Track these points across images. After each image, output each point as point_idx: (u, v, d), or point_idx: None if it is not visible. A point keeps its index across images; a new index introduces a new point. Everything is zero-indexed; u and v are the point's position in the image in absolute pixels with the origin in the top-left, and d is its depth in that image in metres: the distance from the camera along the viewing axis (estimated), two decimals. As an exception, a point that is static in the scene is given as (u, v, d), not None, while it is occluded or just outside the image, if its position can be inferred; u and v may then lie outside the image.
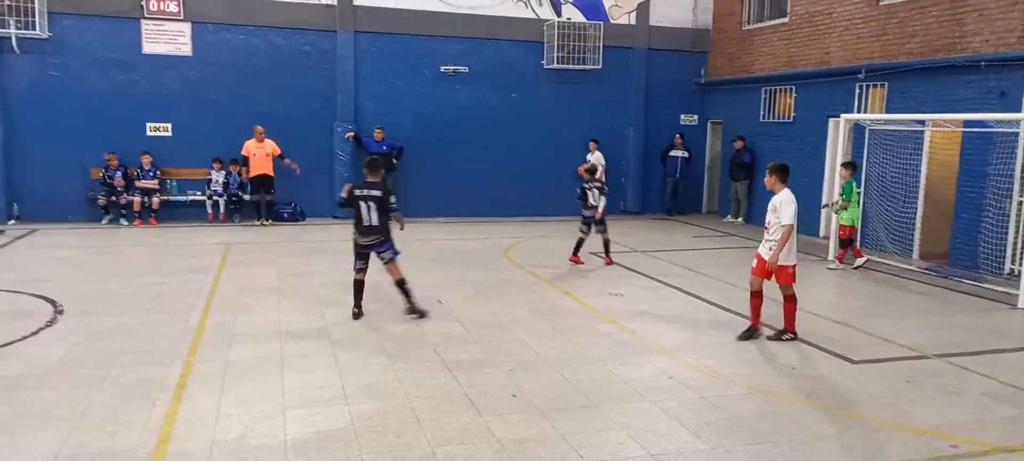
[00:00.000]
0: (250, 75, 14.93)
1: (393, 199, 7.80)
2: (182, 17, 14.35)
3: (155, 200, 14.34)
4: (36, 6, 13.28)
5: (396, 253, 7.94)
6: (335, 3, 15.15)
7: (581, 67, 16.40)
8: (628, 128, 17.16)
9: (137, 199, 14.19)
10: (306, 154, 15.11)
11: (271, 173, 14.60)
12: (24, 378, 5.91)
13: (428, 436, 5.00)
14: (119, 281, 9.45)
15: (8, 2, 13.12)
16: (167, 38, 14.39)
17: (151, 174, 14.34)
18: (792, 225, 6.94)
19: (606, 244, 11.42)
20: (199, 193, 14.78)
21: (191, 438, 4.86)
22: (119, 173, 14.09)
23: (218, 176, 14.73)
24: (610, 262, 11.28)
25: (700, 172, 18.09)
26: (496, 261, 11.57)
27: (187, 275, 9.88)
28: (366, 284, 8.02)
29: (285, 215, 15.10)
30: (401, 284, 7.96)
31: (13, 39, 13.36)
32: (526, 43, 16.35)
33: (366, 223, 7.68)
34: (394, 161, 15.12)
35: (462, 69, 16.04)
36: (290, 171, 14.70)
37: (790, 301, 7.32)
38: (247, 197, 14.88)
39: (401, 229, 7.98)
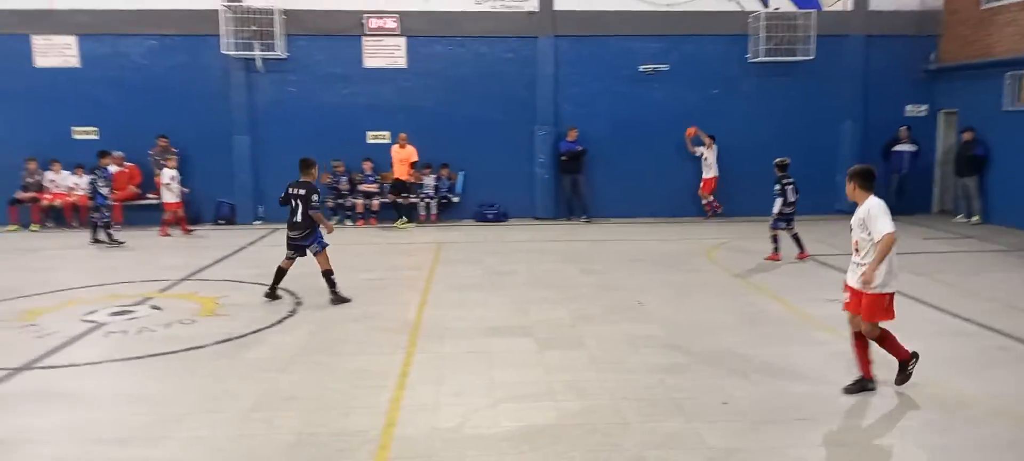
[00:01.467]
0: (456, 83, 15.73)
1: (316, 198, 8.65)
2: (399, 32, 15.46)
3: (375, 203, 15.55)
4: (276, 30, 14.93)
5: (323, 246, 8.78)
6: (537, 9, 15.55)
7: (791, 59, 15.51)
8: (844, 122, 15.96)
9: (360, 202, 15.47)
10: (507, 157, 15.70)
11: (406, 178, 15.39)
12: (271, 362, 6.66)
13: (636, 438, 4.99)
14: (346, 276, 10.31)
15: (254, 27, 14.84)
16: (385, 52, 15.57)
17: (372, 179, 15.57)
18: (893, 233, 5.42)
19: (797, 239, 10.99)
20: (412, 196, 15.80)
21: (413, 424, 5.22)
22: (344, 178, 15.45)
23: (429, 180, 15.66)
24: (806, 256, 10.80)
25: (929, 167, 16.42)
26: (698, 263, 11.27)
27: (404, 272, 10.62)
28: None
29: (489, 216, 15.75)
30: (327, 274, 8.79)
31: (258, 60, 15.12)
32: (729, 37, 15.77)
33: (295, 219, 8.65)
34: (581, 160, 15.53)
35: (662, 67, 15.80)
36: (484, 173, 15.44)
37: (882, 340, 5.72)
38: (456, 199, 15.70)
39: (329, 231, 8.94)
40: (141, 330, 7.71)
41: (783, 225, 10.93)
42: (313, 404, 5.62)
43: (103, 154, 13.31)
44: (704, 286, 9.67)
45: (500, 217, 15.84)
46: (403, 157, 15.45)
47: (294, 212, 8.75)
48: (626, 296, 8.67)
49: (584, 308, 8.40)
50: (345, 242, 13.48)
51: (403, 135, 15.40)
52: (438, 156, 15.70)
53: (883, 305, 5.57)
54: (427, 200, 15.68)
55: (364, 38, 15.49)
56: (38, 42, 15.09)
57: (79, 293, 9.38)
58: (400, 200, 15.47)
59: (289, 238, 8.90)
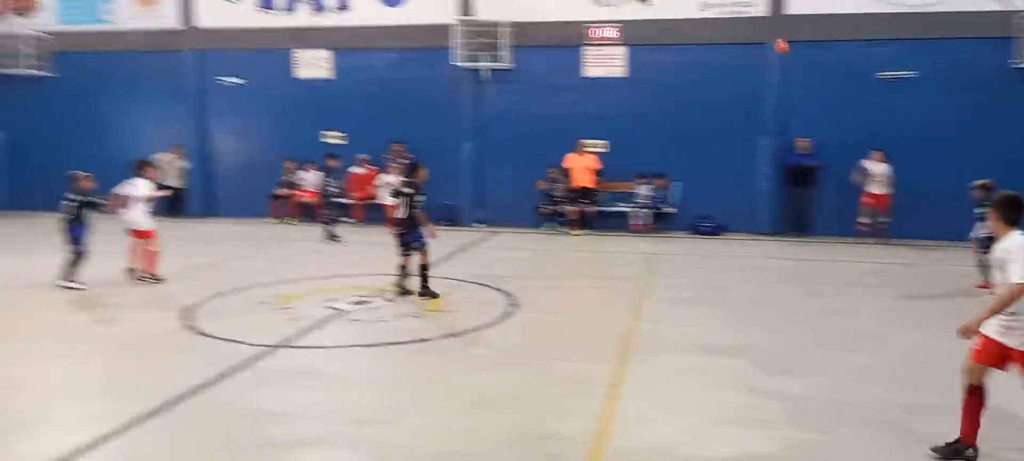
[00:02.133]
0: (677, 92, 15.46)
1: (421, 199, 9.43)
2: (620, 41, 15.53)
3: (590, 210, 15.72)
4: (503, 41, 15.63)
5: (423, 243, 9.36)
6: (767, 13, 14.88)
7: (1068, 64, 13.47)
8: None
9: (575, 209, 15.73)
10: (726, 167, 15.19)
11: (591, 186, 15.28)
12: (490, 360, 6.98)
13: (869, 481, 4.59)
14: (560, 282, 10.61)
15: (484, 39, 15.65)
16: (605, 62, 15.71)
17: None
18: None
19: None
20: (626, 205, 15.77)
21: (627, 436, 5.21)
22: (560, 185, 15.80)
23: (644, 190, 15.55)
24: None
25: None
26: (936, 286, 10.13)
27: (616, 282, 10.63)
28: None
29: (705, 229, 15.31)
30: (424, 268, 9.37)
31: (484, 70, 15.92)
32: (988, 40, 14.00)
33: (400, 216, 9.35)
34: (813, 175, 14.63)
35: (908, 73, 14.40)
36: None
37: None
38: (670, 210, 15.46)
39: (431, 234, 9.50)
40: (376, 320, 8.42)
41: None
42: (527, 405, 5.80)
43: (330, 157, 15.22)
44: (947, 317, 8.66)
45: (717, 230, 15.32)
46: (584, 164, 15.55)
47: (398, 210, 9.46)
48: (856, 322, 8.00)
49: (807, 332, 7.89)
50: (558, 249, 13.80)
51: (582, 142, 15.50)
52: (654, 165, 15.53)
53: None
54: (641, 210, 15.57)
55: (585, 48, 15.74)
56: (300, 56, 17.05)
57: (324, 283, 10.45)
58: (572, 209, 15.56)
59: (395, 234, 9.60)
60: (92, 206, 10.11)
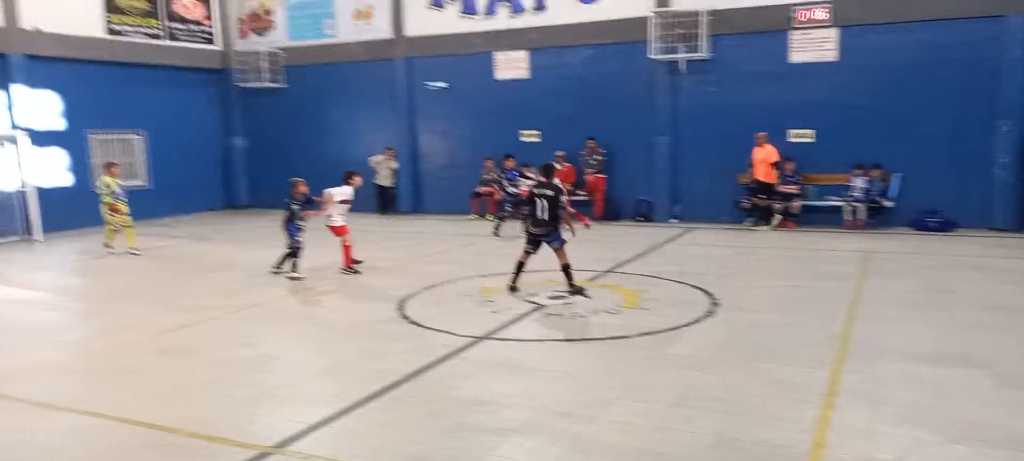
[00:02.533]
0: (896, 76, 14.15)
1: (563, 199, 9.52)
2: (830, 23, 14.49)
3: (795, 205, 14.84)
4: (701, 31, 15.15)
5: (562, 242, 9.41)
6: (1009, -19, 13.21)
7: None
8: None
9: (778, 204, 14.93)
10: (956, 156, 13.73)
11: (771, 181, 14.44)
12: (692, 359, 6.81)
13: None
14: (763, 281, 10.10)
15: (680, 30, 15.27)
16: (813, 46, 14.72)
17: (792, 180, 14.89)
18: None
19: None
20: (838, 199, 14.70)
21: (844, 448, 4.85)
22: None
23: (858, 182, 14.40)
24: None
25: None
26: None
27: (827, 281, 9.94)
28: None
29: (931, 224, 13.88)
30: (566, 268, 9.33)
31: (682, 62, 15.53)
32: None
33: (539, 216, 9.27)
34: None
35: None
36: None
37: None
38: (889, 204, 14.20)
39: (572, 232, 10.02)
40: (574, 315, 8.52)
41: None
42: (734, 408, 5.59)
43: (508, 157, 16.00)
44: None
45: (945, 226, 13.82)
46: (763, 157, 14.68)
47: (536, 210, 9.38)
48: None
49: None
50: (761, 245, 13.16)
51: (762, 134, 14.69)
52: (870, 155, 14.33)
53: None
54: (854, 204, 14.43)
55: (791, 32, 14.85)
56: (499, 58, 17.65)
57: (524, 277, 10.73)
58: (757, 202, 14.88)
59: (531, 233, 9.47)
60: (309, 204, 11.22)
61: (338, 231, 11.29)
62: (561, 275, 9.45)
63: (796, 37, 14.86)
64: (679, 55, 15.45)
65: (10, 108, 15.98)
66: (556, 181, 9.99)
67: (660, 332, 7.71)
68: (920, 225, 13.95)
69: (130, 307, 9.66)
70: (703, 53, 15.33)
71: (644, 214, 16.52)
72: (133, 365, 7.16)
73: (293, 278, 10.94)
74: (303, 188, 11.33)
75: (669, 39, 15.43)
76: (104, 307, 9.84)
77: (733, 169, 15.42)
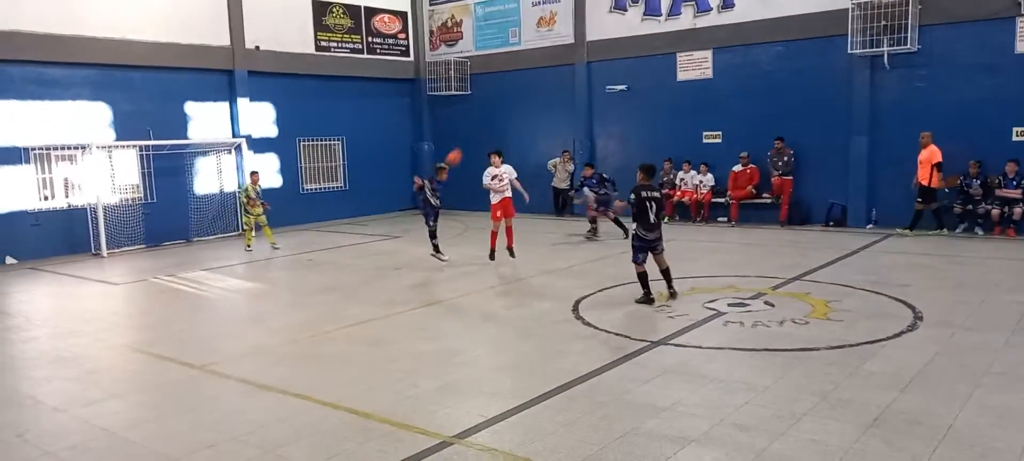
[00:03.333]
0: None
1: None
2: (1066, 6, 12.78)
3: (1016, 210, 13.22)
4: (909, 22, 13.90)
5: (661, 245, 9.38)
6: None
7: None
8: None
9: (996, 209, 13.36)
10: None
11: (925, 183, 13.23)
12: (892, 378, 6.25)
13: None
14: (978, 294, 9.08)
15: (884, 22, 14.10)
16: (1045, 33, 13.03)
17: (1014, 183, 13.27)
18: None
19: None
20: (935, 203, 12.97)
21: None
22: (977, 182, 13.56)
23: (1099, 185, 12.58)
24: None
25: None
26: None
27: (1060, 298, 8.76)
28: None
29: None
30: (666, 272, 9.34)
31: (885, 56, 14.33)
32: None
33: (650, 220, 8.98)
34: None
35: None
36: None
37: None
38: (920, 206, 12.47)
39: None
40: (756, 323, 8.14)
41: None
42: (940, 433, 5.07)
43: (588, 165, 15.95)
44: None
45: None
46: (924, 159, 13.37)
47: (647, 214, 9.08)
48: None
49: None
50: (976, 256, 11.85)
51: (925, 134, 13.43)
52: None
53: None
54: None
55: (1019, 19, 13.22)
56: (681, 59, 17.26)
57: (702, 282, 10.42)
58: (919, 206, 13.58)
59: (644, 240, 9.03)
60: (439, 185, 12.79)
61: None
62: (743, 282, 9.06)
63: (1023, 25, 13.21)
64: (883, 48, 14.27)
65: (234, 119, 17.95)
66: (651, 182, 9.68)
67: (853, 346, 7.17)
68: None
69: (333, 300, 10.50)
70: (910, 45, 14.05)
71: (836, 219, 15.44)
72: (333, 354, 7.78)
73: (438, 258, 12.42)
74: (442, 174, 12.81)
75: (871, 31, 14.30)
76: (309, 299, 10.77)
77: (946, 171, 13.99)
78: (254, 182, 15.50)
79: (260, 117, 18.46)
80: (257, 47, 18.15)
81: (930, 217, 13.92)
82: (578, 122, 19.06)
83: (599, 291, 10.09)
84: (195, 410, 6.22)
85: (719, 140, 16.95)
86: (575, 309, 9.11)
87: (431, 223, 12.71)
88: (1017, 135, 13.47)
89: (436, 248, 12.69)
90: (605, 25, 18.32)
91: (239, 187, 15.68)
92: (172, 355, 7.83)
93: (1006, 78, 13.43)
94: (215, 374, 7.16)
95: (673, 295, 9.37)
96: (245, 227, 15.74)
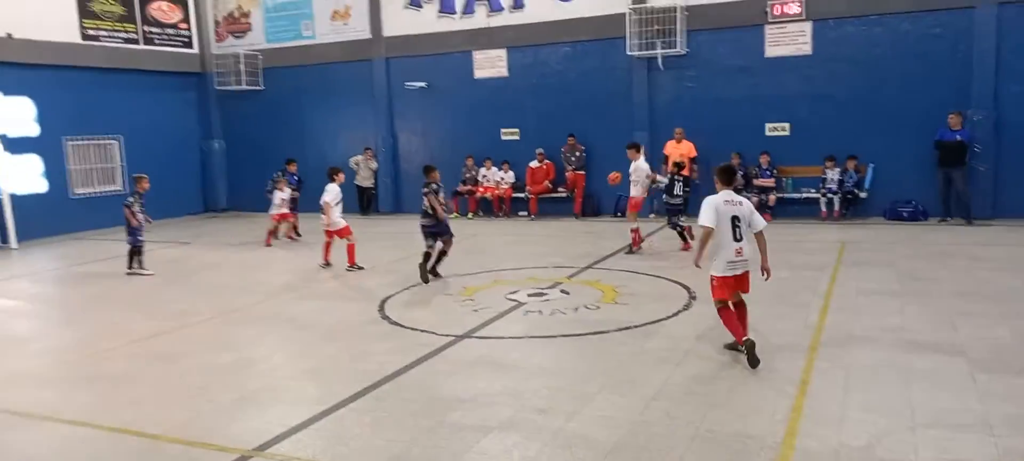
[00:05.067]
0: (870, 68, 14.36)
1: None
2: (804, 17, 14.65)
3: (771, 198, 15.01)
4: (678, 27, 15.27)
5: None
6: (974, -25, 13.42)
7: None
8: None
9: (755, 197, 15.06)
10: (930, 147, 13.86)
11: (689, 174, 14.37)
12: (669, 353, 6.88)
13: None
14: (741, 273, 10.20)
15: (657, 27, 15.37)
16: (788, 40, 14.89)
17: (768, 173, 15.06)
18: None
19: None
20: (813, 190, 14.88)
21: (815, 437, 4.95)
22: (740, 173, 15.21)
23: (832, 174, 14.59)
24: None
25: None
26: None
27: (803, 271, 10.07)
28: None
29: (904, 214, 14.11)
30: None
31: (659, 58, 15.63)
32: None
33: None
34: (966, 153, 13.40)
35: None
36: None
37: None
38: (863, 194, 14.41)
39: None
40: (553, 312, 8.58)
41: None
42: (710, 400, 5.67)
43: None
44: None
45: (918, 215, 14.06)
46: (681, 152, 15.03)
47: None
48: None
49: (1033, 329, 7.05)
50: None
51: (679, 130, 15.17)
52: (844, 147, 14.53)
53: None
54: (829, 195, 14.62)
55: (767, 26, 15.00)
56: (478, 57, 17.67)
57: (505, 274, 10.80)
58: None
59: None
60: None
61: (343, 233, 11.71)
62: (542, 273, 9.51)
63: (772, 31, 15.01)
64: (656, 51, 15.55)
65: (-17, 115, 15.80)
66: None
67: (639, 326, 7.79)
68: (894, 215, 14.20)
69: (109, 315, 9.61)
70: (680, 49, 15.44)
71: (623, 210, 16.59)
72: (114, 373, 7.14)
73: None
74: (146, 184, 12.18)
75: (646, 35, 15.53)
76: (83, 315, 9.78)
77: (710, 163, 15.49)
78: None
79: (16, 114, 16.37)
80: (9, 35, 16.09)
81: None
82: (380, 119, 18.90)
83: (404, 289, 10.11)
84: (-57, 451, 5.45)
85: (517, 137, 17.59)
86: (381, 309, 9.06)
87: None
88: (769, 130, 15.29)
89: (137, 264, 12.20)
90: (401, 21, 18.30)
91: None
92: (-90, 391, 6.78)
93: (759, 78, 15.20)
94: (-32, 408, 6.30)
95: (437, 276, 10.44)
96: None
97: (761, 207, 14.97)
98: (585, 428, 5.27)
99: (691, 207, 10.86)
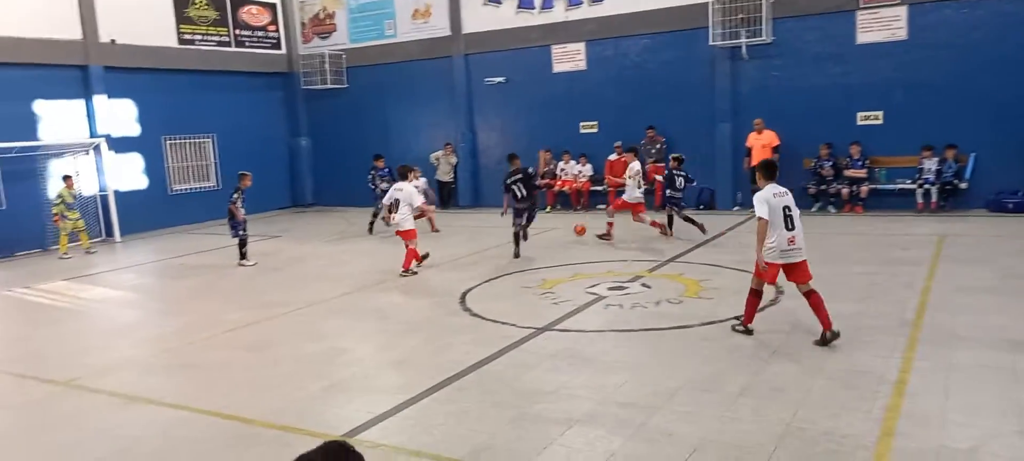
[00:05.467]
0: (969, 52, 13.58)
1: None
2: (899, 1, 14.00)
3: (863, 189, 14.42)
4: (763, 15, 14.83)
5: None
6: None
7: None
8: None
9: (845, 188, 14.53)
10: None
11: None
12: (757, 349, 6.70)
13: None
14: (831, 267, 9.84)
15: (741, 15, 14.98)
16: (881, 25, 14.25)
17: (859, 163, 14.47)
18: None
19: None
20: (909, 181, 14.21)
21: (914, 437, 4.74)
22: (829, 163, 14.68)
23: (930, 164, 13.89)
24: None
25: None
26: None
27: (898, 266, 9.65)
28: None
29: (1009, 206, 13.30)
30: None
31: (743, 47, 15.23)
32: None
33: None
34: None
35: None
36: None
37: None
38: (963, 185, 13.67)
39: None
40: (634, 305, 8.50)
41: None
42: (801, 398, 5.51)
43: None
44: None
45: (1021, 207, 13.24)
46: (763, 142, 14.61)
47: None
48: None
49: None
50: (829, 232, 12.84)
51: (758, 120, 14.77)
52: (942, 136, 13.81)
53: None
54: (926, 186, 13.93)
55: (859, 12, 14.39)
56: (556, 51, 17.64)
57: (583, 268, 10.76)
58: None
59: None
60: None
61: (408, 235, 11.03)
62: (621, 266, 9.43)
63: (863, 18, 14.40)
64: (741, 40, 15.16)
65: (91, 117, 16.78)
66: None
67: (723, 321, 7.63)
68: (997, 206, 13.40)
69: (206, 305, 10.07)
70: (766, 37, 15.00)
71: (705, 202, 16.30)
72: (211, 360, 7.48)
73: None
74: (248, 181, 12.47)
75: (730, 24, 15.15)
76: (182, 305, 10.28)
77: (798, 154, 15.06)
78: (69, 187, 14.82)
79: (120, 115, 17.35)
80: (113, 40, 17.04)
81: (813, 197, 15.05)
82: (459, 114, 19.11)
83: (484, 282, 10.20)
84: (61, 429, 5.84)
85: (595, 130, 17.48)
86: (462, 301, 9.18)
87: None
88: (861, 119, 14.68)
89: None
90: (481, 17, 18.44)
91: (59, 194, 14.70)
92: (32, 372, 7.30)
93: (850, 66, 14.60)
94: (81, 389, 6.74)
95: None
96: (62, 234, 14.77)
97: (852, 199, 14.45)
98: (669, 423, 5.20)
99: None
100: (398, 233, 11.23)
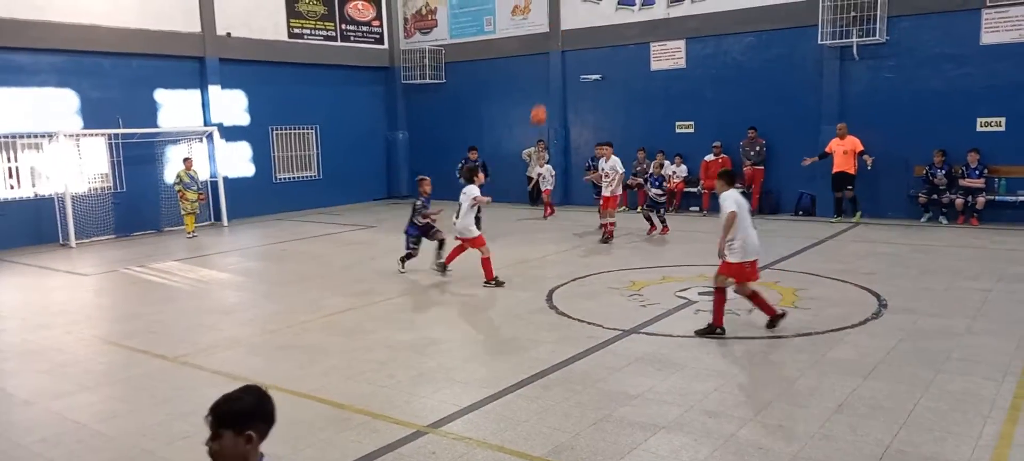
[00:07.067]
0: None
1: None
2: (1029, 1, 13.07)
3: (979, 200, 13.54)
4: (877, 13, 14.12)
5: None
6: None
7: None
8: None
9: (960, 199, 13.68)
10: None
11: (850, 170, 14.10)
12: (855, 364, 6.42)
13: None
14: (941, 281, 9.31)
15: (853, 13, 14.31)
16: (1010, 25, 13.31)
17: (977, 172, 13.59)
18: None
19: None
20: (853, 189, 13.51)
21: (1029, 470, 4.43)
22: (942, 171, 13.85)
23: (1058, 175, 12.92)
24: None
25: None
26: None
27: (1015, 284, 9.01)
28: None
29: None
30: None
31: (854, 47, 14.55)
32: None
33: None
34: None
35: None
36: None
37: None
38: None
39: None
40: (726, 311, 8.25)
41: None
42: (901, 418, 5.23)
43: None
44: None
45: None
46: (847, 148, 14.12)
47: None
48: None
49: None
50: (941, 243, 12.13)
51: (841, 125, 14.24)
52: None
53: None
54: (1054, 200, 12.95)
55: (985, 10, 13.49)
56: (655, 48, 17.37)
57: (673, 271, 10.57)
58: (844, 195, 14.47)
59: None
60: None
61: (477, 243, 10.21)
62: (713, 271, 9.17)
63: (990, 16, 13.49)
64: (852, 39, 14.49)
65: (206, 106, 17.74)
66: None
67: (820, 333, 7.34)
68: None
69: (305, 290, 10.48)
70: (879, 36, 14.28)
71: (805, 208, 15.69)
72: (309, 344, 7.78)
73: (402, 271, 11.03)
74: (428, 187, 11.01)
75: (842, 23, 14.51)
76: (283, 290, 10.74)
77: (913, 160, 14.28)
78: (188, 168, 15.69)
79: (232, 105, 18.27)
80: (228, 34, 17.94)
81: (848, 204, 14.68)
82: (553, 111, 19.08)
83: (572, 281, 10.18)
84: (169, 402, 6.21)
85: (691, 130, 17.12)
86: (549, 299, 9.19)
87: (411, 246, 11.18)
88: (981, 125, 13.77)
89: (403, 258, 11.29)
90: (579, 14, 18.37)
91: (178, 175, 15.74)
92: (144, 347, 7.79)
93: (971, 68, 13.72)
94: (189, 365, 7.14)
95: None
96: (184, 214, 15.77)
97: (967, 210, 13.60)
98: (759, 437, 5.05)
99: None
100: (465, 242, 10.33)
